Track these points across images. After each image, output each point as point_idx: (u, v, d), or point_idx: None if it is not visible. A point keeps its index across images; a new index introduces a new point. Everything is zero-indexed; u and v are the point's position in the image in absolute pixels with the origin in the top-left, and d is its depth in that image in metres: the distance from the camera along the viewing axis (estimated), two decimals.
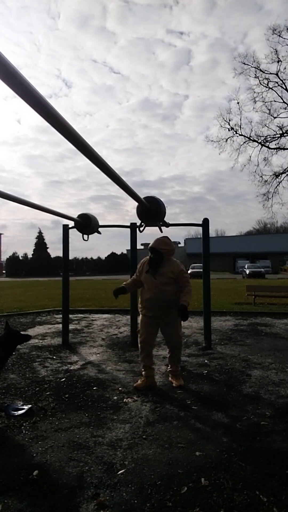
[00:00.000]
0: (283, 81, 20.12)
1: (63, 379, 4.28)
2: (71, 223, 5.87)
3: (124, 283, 4.29)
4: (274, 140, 21.20)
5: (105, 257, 53.31)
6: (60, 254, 6.32)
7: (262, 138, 21.32)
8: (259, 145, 21.45)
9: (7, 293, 16.95)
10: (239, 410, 3.34)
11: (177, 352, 4.10)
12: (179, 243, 65.50)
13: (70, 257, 6.55)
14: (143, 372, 4.00)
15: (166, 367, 4.76)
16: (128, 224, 6.28)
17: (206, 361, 5.08)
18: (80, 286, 21.36)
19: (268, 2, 79.81)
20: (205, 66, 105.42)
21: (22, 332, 3.45)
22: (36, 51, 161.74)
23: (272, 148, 21.36)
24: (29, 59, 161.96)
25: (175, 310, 3.77)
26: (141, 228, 4.65)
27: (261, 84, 20.64)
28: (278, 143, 21.15)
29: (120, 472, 2.36)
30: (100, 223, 5.82)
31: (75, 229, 5.75)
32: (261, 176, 21.64)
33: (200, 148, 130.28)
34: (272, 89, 20.66)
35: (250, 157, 23.03)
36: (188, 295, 3.80)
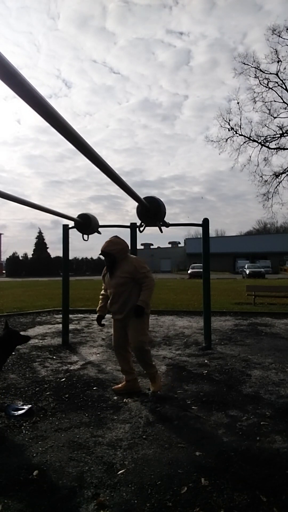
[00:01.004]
0: (283, 81, 20.15)
1: (63, 379, 4.28)
2: (71, 223, 5.87)
3: (98, 308, 4.01)
4: (274, 140, 21.22)
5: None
6: (60, 254, 6.33)
7: (262, 138, 21.35)
8: (259, 145, 21.48)
9: (7, 293, 16.95)
10: (239, 410, 3.34)
11: (141, 357, 3.71)
12: (179, 243, 65.58)
13: (70, 257, 6.55)
14: (124, 376, 3.93)
15: (166, 367, 4.76)
16: (128, 224, 6.28)
17: (206, 361, 5.08)
18: (80, 286, 21.35)
19: (268, 2, 79.93)
20: (204, 67, 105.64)
21: (21, 333, 3.44)
22: (36, 52, 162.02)
23: (272, 148, 21.38)
24: (29, 59, 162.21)
25: (137, 315, 3.59)
26: (141, 228, 4.66)
27: (261, 84, 20.67)
28: (278, 143, 21.18)
29: (120, 472, 2.36)
30: (100, 223, 5.83)
31: (75, 229, 5.75)
32: (261, 176, 21.67)
33: (199, 148, 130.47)
34: (272, 89, 20.70)
35: (250, 157, 23.05)
36: (145, 292, 3.58)
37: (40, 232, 51.99)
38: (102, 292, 4.00)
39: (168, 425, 3.04)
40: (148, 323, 3.81)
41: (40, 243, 51.45)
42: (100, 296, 4.02)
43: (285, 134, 20.80)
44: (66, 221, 5.96)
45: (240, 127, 21.67)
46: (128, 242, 6.19)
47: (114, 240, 3.75)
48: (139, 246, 6.64)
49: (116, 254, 3.65)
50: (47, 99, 1.49)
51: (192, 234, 71.64)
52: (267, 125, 21.46)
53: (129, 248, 3.75)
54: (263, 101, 21.16)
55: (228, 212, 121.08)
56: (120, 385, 3.89)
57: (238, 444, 2.70)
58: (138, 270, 3.61)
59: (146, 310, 3.62)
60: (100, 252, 3.71)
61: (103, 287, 3.98)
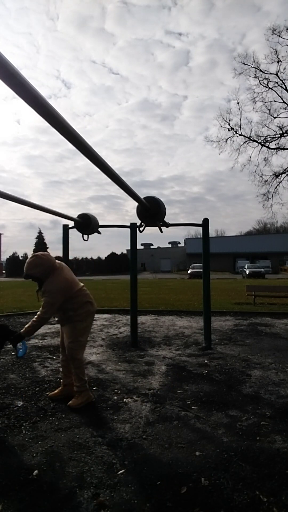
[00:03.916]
0: (283, 81, 20.14)
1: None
2: (71, 223, 5.87)
3: None
4: (274, 140, 21.22)
5: (105, 257, 53.28)
6: (60, 254, 6.32)
7: (262, 138, 21.35)
8: (259, 145, 21.47)
9: (7, 293, 16.94)
10: (239, 410, 3.34)
11: (74, 366, 3.48)
12: (179, 243, 65.58)
13: (70, 257, 6.55)
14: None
15: (166, 367, 4.76)
16: (128, 224, 6.28)
17: (206, 361, 5.08)
18: None
19: (267, 3, 79.90)
20: (203, 67, 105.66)
21: (11, 328, 3.42)
22: (35, 52, 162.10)
23: (272, 148, 21.38)
24: (29, 60, 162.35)
25: (68, 322, 3.51)
26: (141, 228, 4.65)
27: (261, 84, 20.67)
28: (278, 143, 21.17)
29: (120, 472, 2.36)
30: (100, 223, 5.83)
31: (75, 229, 5.75)
32: (261, 176, 21.68)
33: (199, 148, 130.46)
34: (272, 89, 20.69)
35: (250, 157, 23.09)
36: (31, 323, 3.30)
37: (40, 232, 51.94)
38: None
39: (168, 425, 3.04)
40: (81, 330, 3.50)
41: (40, 243, 51.36)
42: None
43: (285, 134, 20.80)
44: (66, 221, 5.96)
45: (240, 127, 21.70)
46: (128, 242, 6.21)
47: (35, 262, 3.35)
48: (139, 246, 6.64)
49: (40, 276, 3.39)
50: (47, 99, 1.49)
51: (192, 234, 71.77)
52: (267, 125, 21.51)
53: (54, 264, 3.45)
54: (263, 101, 21.19)
55: (228, 212, 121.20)
56: (56, 391, 3.78)
57: (238, 444, 2.71)
58: (44, 296, 3.37)
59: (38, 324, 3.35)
60: (24, 274, 3.42)
61: None
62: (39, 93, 1.43)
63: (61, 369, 3.86)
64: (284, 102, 20.66)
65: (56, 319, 3.75)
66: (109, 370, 4.68)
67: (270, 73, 20.32)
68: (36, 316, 3.35)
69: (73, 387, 3.57)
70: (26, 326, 3.34)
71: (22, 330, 3.32)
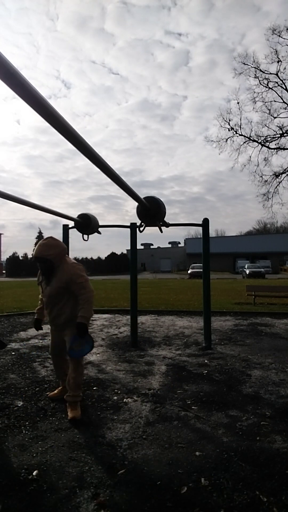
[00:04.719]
0: (283, 81, 20.16)
1: None
2: (71, 223, 5.87)
3: (36, 309, 3.72)
4: (274, 140, 21.23)
5: (105, 257, 53.30)
6: None
7: (262, 138, 21.36)
8: (259, 145, 21.49)
9: (7, 293, 16.94)
10: (239, 410, 3.34)
11: (77, 373, 3.27)
12: (179, 243, 65.58)
13: (70, 257, 6.53)
14: (60, 382, 3.74)
15: (166, 367, 4.76)
16: (128, 224, 6.28)
17: (206, 361, 5.08)
18: None
19: (266, 3, 79.95)
20: (203, 67, 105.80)
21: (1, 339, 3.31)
22: (35, 53, 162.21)
23: (272, 148, 21.38)
24: (28, 60, 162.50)
25: (71, 324, 3.27)
26: (141, 228, 4.65)
27: (261, 84, 20.68)
28: (278, 143, 21.18)
29: (120, 472, 2.36)
30: (100, 223, 5.83)
31: (75, 229, 5.75)
32: (261, 176, 21.69)
33: (199, 148, 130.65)
34: (272, 89, 20.71)
35: (250, 157, 23.12)
36: (85, 308, 3.13)
37: (40, 232, 51.99)
38: (40, 297, 3.63)
39: (168, 425, 3.04)
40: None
41: None
42: (40, 296, 3.61)
43: (285, 134, 20.80)
44: (66, 221, 5.96)
45: (240, 127, 21.72)
46: (128, 242, 6.21)
47: (49, 243, 3.19)
48: (139, 246, 6.64)
49: (53, 260, 3.16)
50: (47, 99, 1.49)
51: (192, 234, 71.79)
52: (267, 125, 21.53)
53: (66, 250, 3.33)
54: (263, 101, 21.23)
55: (228, 212, 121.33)
56: (56, 391, 3.72)
57: (238, 444, 2.70)
58: (74, 280, 3.17)
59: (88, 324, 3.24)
60: (34, 257, 3.19)
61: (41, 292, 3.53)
62: (39, 93, 1.43)
63: (55, 375, 3.68)
64: (284, 102, 20.68)
65: (52, 327, 3.48)
66: (109, 370, 4.68)
67: (270, 73, 20.36)
68: (83, 299, 3.14)
69: (68, 397, 3.25)
70: (81, 313, 3.11)
71: (81, 319, 3.10)
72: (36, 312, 3.72)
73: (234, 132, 21.74)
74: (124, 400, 3.62)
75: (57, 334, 3.48)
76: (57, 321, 3.35)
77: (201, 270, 6.20)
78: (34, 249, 3.21)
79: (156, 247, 64.14)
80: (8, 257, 50.21)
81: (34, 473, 2.34)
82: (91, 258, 54.34)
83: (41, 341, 6.46)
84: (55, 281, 3.23)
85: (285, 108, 20.65)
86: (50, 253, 3.14)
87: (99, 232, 5.79)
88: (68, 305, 3.29)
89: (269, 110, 20.87)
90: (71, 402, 3.24)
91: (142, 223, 4.54)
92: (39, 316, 3.67)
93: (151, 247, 62.54)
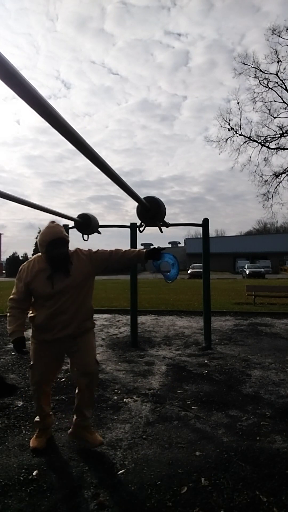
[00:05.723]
0: (283, 81, 20.11)
1: (63, 379, 4.28)
2: (71, 223, 5.87)
3: (13, 327, 2.53)
4: (274, 140, 21.18)
5: None
6: None
7: (262, 138, 21.31)
8: (259, 145, 21.44)
9: (7, 293, 16.92)
10: (239, 410, 3.34)
11: (91, 394, 2.65)
12: (179, 243, 65.56)
13: None
14: (38, 421, 2.74)
15: (166, 367, 4.75)
16: (128, 224, 6.28)
17: (206, 361, 5.08)
18: None
19: (266, 3, 79.94)
20: (203, 67, 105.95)
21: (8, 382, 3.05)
22: (35, 53, 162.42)
23: (272, 148, 21.34)
24: (28, 60, 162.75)
25: (84, 333, 2.64)
26: (141, 228, 4.65)
27: (261, 84, 20.63)
28: (278, 143, 21.13)
29: (120, 472, 2.36)
30: (100, 223, 5.82)
31: (75, 229, 5.74)
32: (261, 176, 21.63)
33: (198, 148, 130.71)
34: (272, 89, 20.65)
35: (250, 157, 22.98)
36: (130, 249, 2.82)
37: (40, 232, 52.05)
38: (13, 304, 2.62)
39: (168, 425, 3.04)
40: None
41: None
42: (11, 310, 2.60)
43: (285, 134, 20.79)
44: (66, 221, 5.95)
45: (240, 127, 21.64)
46: (128, 242, 6.21)
47: (59, 227, 2.61)
48: (139, 246, 6.62)
49: (67, 245, 2.57)
50: (47, 99, 1.49)
51: (192, 234, 71.66)
52: (267, 125, 21.44)
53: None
54: (263, 101, 21.14)
55: (228, 212, 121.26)
56: (35, 440, 2.70)
57: (238, 444, 2.71)
58: (92, 254, 2.66)
59: None
60: (48, 241, 2.47)
61: (14, 296, 2.63)
62: (39, 93, 1.43)
63: (37, 412, 2.75)
64: (284, 102, 20.65)
65: (61, 334, 2.55)
66: (109, 370, 4.68)
67: (270, 73, 20.30)
68: (122, 250, 2.75)
69: (82, 421, 2.64)
70: (132, 253, 2.76)
71: (144, 250, 2.79)
72: (13, 331, 2.52)
73: (234, 132, 21.70)
74: (124, 400, 3.62)
75: (55, 351, 2.63)
76: (71, 321, 2.55)
77: (201, 270, 6.20)
78: (40, 236, 2.58)
79: (156, 247, 64.10)
80: (8, 257, 50.20)
81: (34, 473, 2.34)
82: None
83: None
84: (74, 268, 2.54)
85: (285, 108, 20.62)
86: (66, 235, 2.56)
87: (99, 232, 5.79)
88: (86, 300, 2.66)
89: (269, 110, 20.84)
90: (86, 425, 2.67)
91: (142, 223, 4.53)
92: (21, 334, 2.54)
93: (151, 247, 62.46)
